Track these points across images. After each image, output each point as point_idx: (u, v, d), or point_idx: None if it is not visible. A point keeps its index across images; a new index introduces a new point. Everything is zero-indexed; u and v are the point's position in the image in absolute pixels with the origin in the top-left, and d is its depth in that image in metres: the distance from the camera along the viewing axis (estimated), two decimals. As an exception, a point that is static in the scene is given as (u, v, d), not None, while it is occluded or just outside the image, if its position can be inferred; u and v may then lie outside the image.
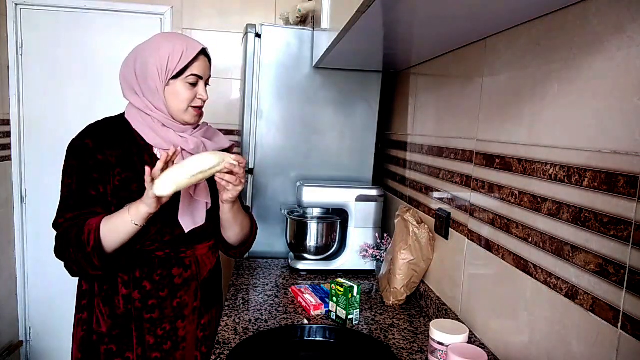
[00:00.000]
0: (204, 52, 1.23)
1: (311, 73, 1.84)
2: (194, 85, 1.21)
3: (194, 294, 1.28)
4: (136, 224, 1.11)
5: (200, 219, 1.25)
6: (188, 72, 1.19)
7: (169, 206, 1.20)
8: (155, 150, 1.24)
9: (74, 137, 1.21)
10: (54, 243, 1.17)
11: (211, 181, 1.27)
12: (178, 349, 1.25)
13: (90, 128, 1.23)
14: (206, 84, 1.25)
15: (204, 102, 1.24)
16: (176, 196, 1.21)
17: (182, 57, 1.17)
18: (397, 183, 1.87)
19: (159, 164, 1.08)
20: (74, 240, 1.12)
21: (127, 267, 1.21)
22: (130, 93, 1.23)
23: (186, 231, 1.23)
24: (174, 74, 1.18)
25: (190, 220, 1.24)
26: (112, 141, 1.21)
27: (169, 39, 1.22)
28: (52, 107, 2.59)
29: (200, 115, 1.26)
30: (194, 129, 1.29)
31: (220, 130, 1.44)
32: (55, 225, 1.18)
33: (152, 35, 1.26)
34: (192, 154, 1.24)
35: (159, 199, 1.09)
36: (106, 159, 1.18)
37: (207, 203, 1.27)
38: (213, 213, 1.32)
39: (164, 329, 1.23)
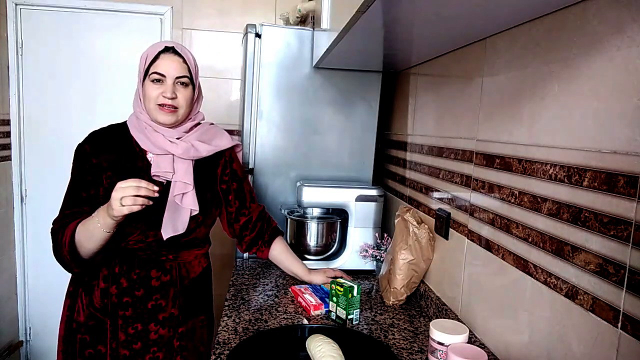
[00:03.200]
0: (171, 51, 1.24)
1: (311, 73, 1.84)
2: (158, 82, 1.22)
3: (173, 300, 1.28)
4: (107, 232, 1.13)
5: (181, 227, 1.25)
6: (151, 71, 1.22)
7: (156, 210, 1.21)
8: (149, 156, 1.26)
9: (78, 143, 1.28)
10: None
11: (201, 190, 1.29)
12: (148, 352, 1.25)
13: (92, 134, 1.29)
14: (181, 82, 1.24)
15: (171, 99, 1.22)
16: (164, 199, 1.23)
17: (147, 58, 1.23)
18: (397, 183, 1.87)
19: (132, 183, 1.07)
20: (59, 241, 1.18)
21: (109, 262, 1.24)
22: (135, 96, 1.31)
23: (164, 238, 1.24)
24: (143, 75, 1.24)
25: (170, 227, 1.24)
26: (109, 146, 1.26)
27: (152, 45, 1.28)
28: (52, 107, 2.59)
29: (175, 115, 1.25)
30: (187, 132, 1.29)
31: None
32: (53, 222, 1.23)
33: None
34: (182, 159, 1.26)
35: (123, 210, 1.08)
36: (100, 163, 1.23)
37: (191, 210, 1.27)
38: (204, 222, 1.33)
39: (136, 329, 1.24)
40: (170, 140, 1.25)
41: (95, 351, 1.24)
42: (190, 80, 1.26)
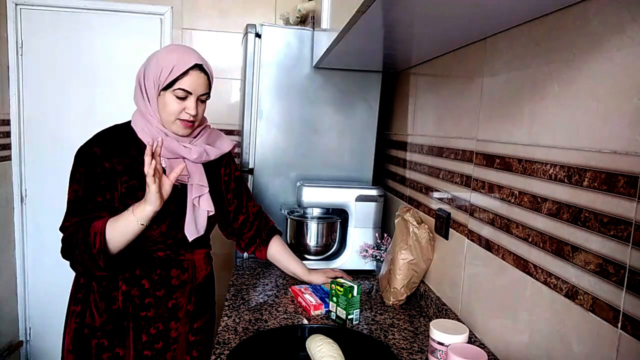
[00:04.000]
0: (199, 68, 1.21)
1: (311, 73, 1.84)
2: (182, 99, 1.21)
3: (189, 297, 1.31)
4: (142, 224, 1.14)
5: (202, 228, 1.29)
6: (176, 86, 1.20)
7: (175, 211, 1.25)
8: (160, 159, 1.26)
9: (78, 143, 1.24)
10: (60, 245, 1.19)
11: (211, 192, 1.30)
12: (169, 350, 1.27)
13: (99, 136, 1.26)
14: (201, 99, 1.24)
15: (194, 116, 1.23)
16: (182, 202, 1.24)
17: (172, 71, 1.19)
18: (397, 183, 1.87)
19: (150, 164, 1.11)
20: (80, 242, 1.14)
21: (129, 265, 1.23)
22: (138, 96, 1.26)
23: (190, 240, 1.26)
24: (164, 85, 1.20)
25: (194, 229, 1.27)
26: (119, 149, 1.23)
27: (171, 50, 1.24)
28: (52, 107, 2.59)
29: (192, 128, 1.26)
30: (195, 136, 1.30)
31: (221, 131, 1.45)
32: (62, 228, 1.20)
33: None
34: (195, 163, 1.27)
35: (161, 196, 1.13)
36: (113, 167, 1.21)
37: (208, 211, 1.30)
38: (215, 222, 1.36)
39: (157, 328, 1.26)
40: (184, 146, 1.26)
41: (114, 354, 1.23)
42: (209, 96, 1.27)
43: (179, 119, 1.22)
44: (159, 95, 1.22)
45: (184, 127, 1.24)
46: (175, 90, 1.20)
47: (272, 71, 1.82)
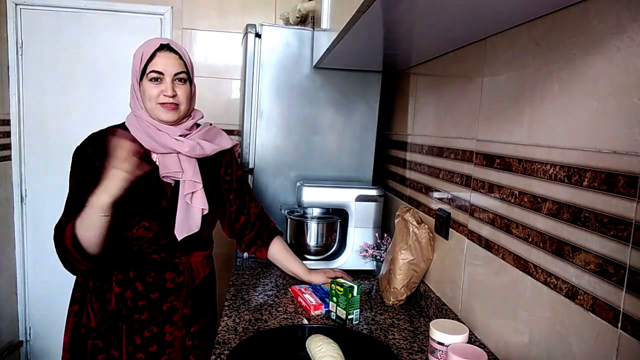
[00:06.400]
0: (167, 48, 1.22)
1: (311, 73, 1.84)
2: (158, 81, 1.22)
3: (185, 301, 1.29)
4: (106, 215, 1.11)
5: (195, 226, 1.26)
6: (148, 70, 1.21)
7: (167, 209, 1.23)
8: (154, 157, 1.25)
9: (78, 143, 1.25)
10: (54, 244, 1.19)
11: (208, 191, 1.29)
12: (164, 354, 1.26)
13: (93, 136, 1.27)
14: (178, 79, 1.23)
15: (172, 97, 1.22)
16: (175, 200, 1.23)
17: (142, 57, 1.21)
18: (397, 183, 1.87)
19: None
20: (60, 240, 1.14)
21: (123, 267, 1.23)
22: (131, 95, 1.28)
23: (179, 239, 1.24)
24: (140, 75, 1.22)
25: (185, 228, 1.24)
26: None
27: (145, 42, 1.26)
28: (52, 107, 2.59)
29: (176, 111, 1.24)
30: (189, 129, 1.29)
31: (220, 130, 1.44)
32: (55, 227, 1.19)
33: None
34: (188, 157, 1.26)
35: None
36: (103, 166, 1.18)
37: (202, 209, 1.27)
38: (212, 222, 1.34)
39: (151, 332, 1.24)
40: (175, 139, 1.24)
41: (109, 356, 1.23)
42: (187, 76, 1.26)
43: (159, 103, 1.22)
44: (140, 86, 1.24)
45: (167, 111, 1.23)
46: (148, 74, 1.21)
47: (272, 71, 1.82)
